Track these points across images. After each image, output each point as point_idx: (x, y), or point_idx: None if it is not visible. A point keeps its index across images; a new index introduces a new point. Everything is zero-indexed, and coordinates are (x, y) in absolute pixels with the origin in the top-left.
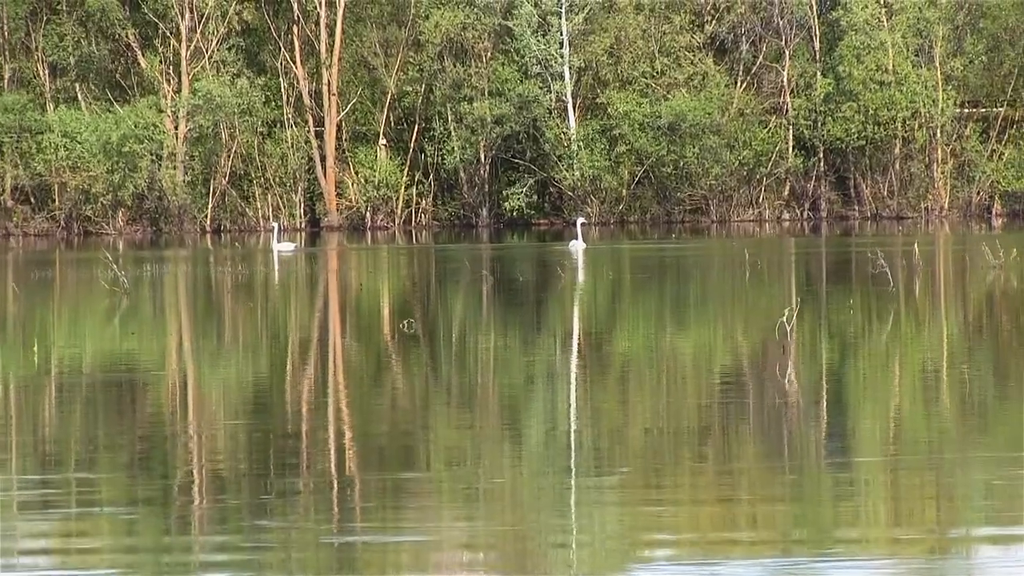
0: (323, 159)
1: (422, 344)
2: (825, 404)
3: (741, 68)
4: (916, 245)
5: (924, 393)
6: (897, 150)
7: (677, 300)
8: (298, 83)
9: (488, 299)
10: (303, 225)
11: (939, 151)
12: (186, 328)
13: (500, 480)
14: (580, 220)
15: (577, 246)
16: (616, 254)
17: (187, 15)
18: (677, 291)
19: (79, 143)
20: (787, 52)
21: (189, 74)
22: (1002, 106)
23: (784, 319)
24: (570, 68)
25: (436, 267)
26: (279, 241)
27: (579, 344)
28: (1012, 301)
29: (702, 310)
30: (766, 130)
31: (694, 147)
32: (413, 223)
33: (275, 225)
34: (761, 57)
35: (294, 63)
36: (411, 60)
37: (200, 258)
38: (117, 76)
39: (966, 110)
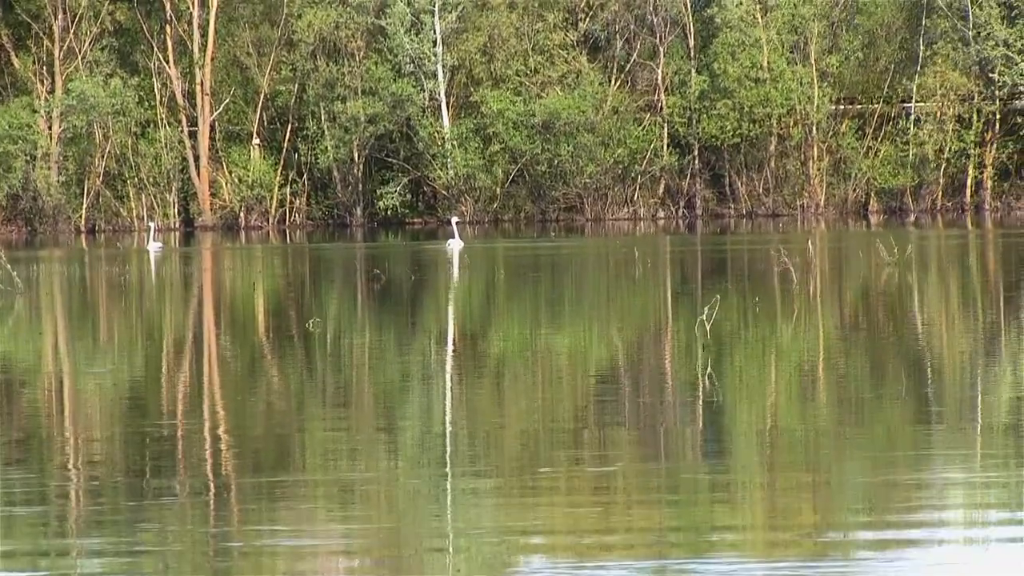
0: (197, 159)
1: (321, 343)
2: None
3: (615, 66)
4: (809, 242)
5: (814, 392)
6: (772, 147)
7: (574, 299)
8: (171, 83)
9: (380, 298)
10: (177, 225)
11: (815, 148)
12: (73, 327)
13: (375, 483)
14: (455, 219)
15: (454, 245)
16: (494, 253)
17: (60, 15)
18: (572, 290)
19: None
20: (662, 50)
21: (63, 74)
22: (878, 103)
23: (704, 317)
24: (443, 67)
25: (319, 266)
26: (154, 240)
27: (488, 342)
28: (919, 296)
29: (605, 308)
30: (641, 128)
31: (568, 145)
32: (287, 223)
33: (151, 225)
34: (635, 55)
35: (167, 63)
36: (284, 59)
37: (77, 258)
38: None
39: (842, 107)
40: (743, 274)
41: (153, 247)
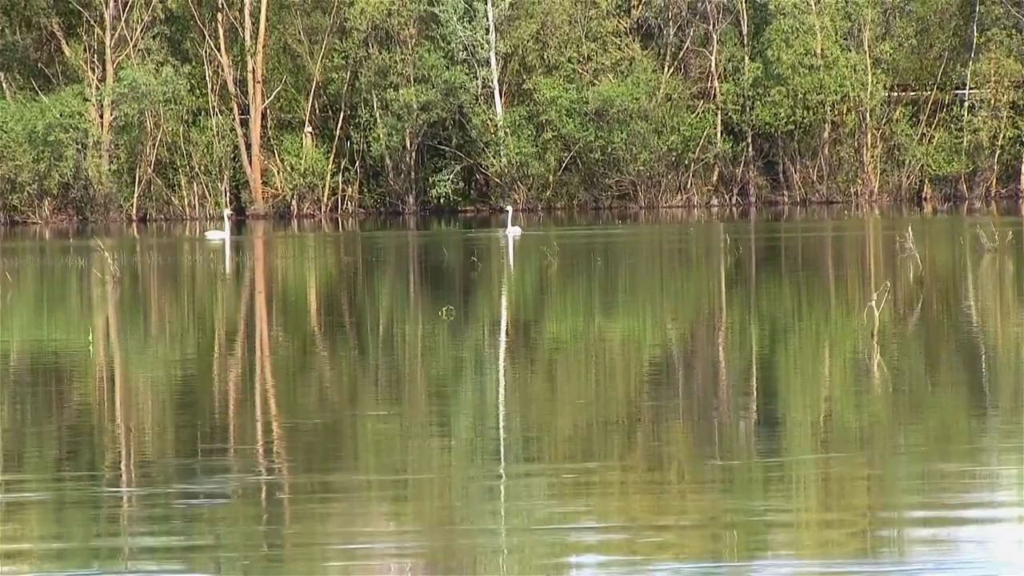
0: (248, 147)
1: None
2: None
3: (668, 53)
4: (910, 228)
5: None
6: (826, 134)
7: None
8: (223, 71)
9: (435, 285)
10: (229, 214)
11: (868, 135)
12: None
13: (428, 476)
14: (508, 208)
15: (510, 233)
16: (563, 240)
17: (111, 3)
18: (673, 279)
19: (4, 132)
20: (715, 36)
21: (113, 62)
22: (932, 89)
23: (873, 303)
24: (496, 54)
25: (379, 254)
26: (217, 229)
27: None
28: None
29: (754, 299)
30: (694, 115)
31: (621, 132)
32: (339, 211)
33: (226, 213)
34: (688, 42)
35: (218, 51)
36: (336, 47)
37: (159, 247)
38: (41, 65)
39: (895, 94)
40: (861, 260)
41: (217, 235)
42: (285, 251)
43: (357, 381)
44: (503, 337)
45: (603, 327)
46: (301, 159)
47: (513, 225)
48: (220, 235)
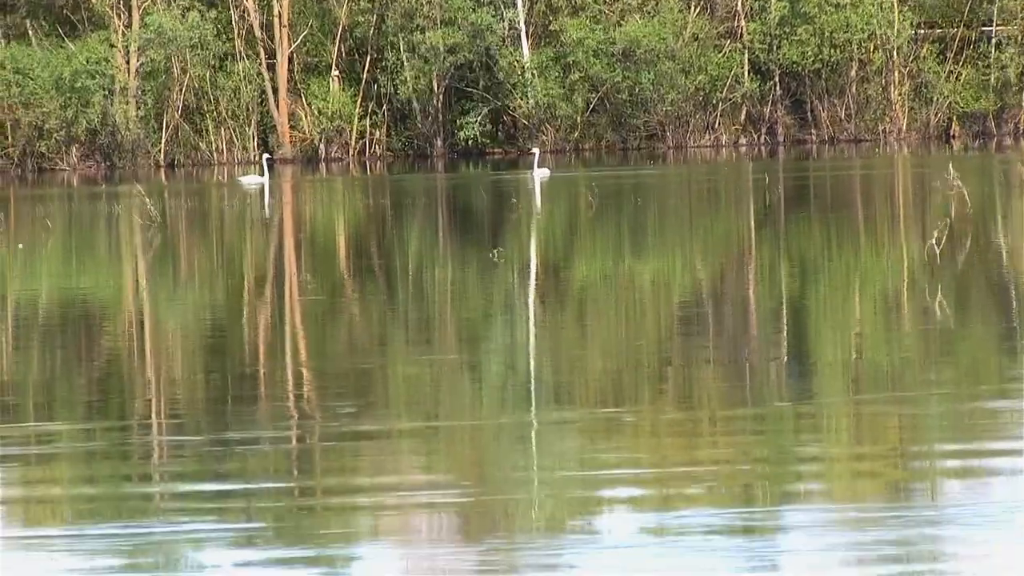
0: (275, 91)
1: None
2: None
3: None
4: (951, 165)
5: None
6: (853, 73)
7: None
8: (249, 15)
9: (463, 228)
10: (256, 158)
11: (896, 73)
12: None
13: (459, 421)
14: (535, 150)
15: (538, 174)
16: (595, 181)
17: None
18: (713, 219)
19: (31, 79)
20: None
21: (139, 8)
22: (959, 26)
23: (933, 241)
24: None
25: (408, 197)
26: (250, 174)
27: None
28: None
29: (789, 235)
30: (721, 55)
31: (649, 73)
32: (367, 154)
33: (265, 156)
34: None
35: None
36: None
37: (194, 192)
38: (67, 11)
39: (922, 31)
40: (904, 197)
41: (252, 180)
42: (318, 195)
43: (418, 323)
44: (543, 279)
45: (659, 268)
46: (328, 103)
47: (540, 167)
48: (257, 180)
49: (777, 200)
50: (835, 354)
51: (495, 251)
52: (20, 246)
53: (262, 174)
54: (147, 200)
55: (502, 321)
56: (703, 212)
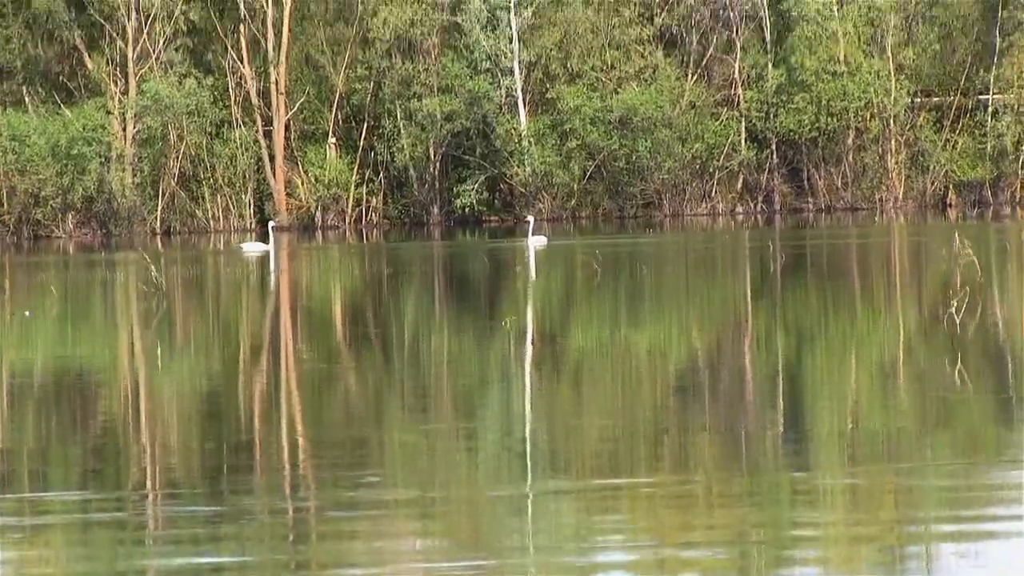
0: (272, 159)
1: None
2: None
3: (691, 60)
4: (957, 234)
5: None
6: (850, 141)
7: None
8: (246, 82)
9: (459, 296)
10: (253, 225)
11: (893, 141)
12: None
13: (455, 491)
14: (530, 217)
15: (535, 242)
16: (592, 249)
17: (133, 16)
18: (717, 287)
19: (28, 146)
20: (738, 43)
21: (136, 75)
22: (955, 95)
23: (952, 311)
24: (520, 63)
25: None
26: (254, 241)
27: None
28: None
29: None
30: (718, 123)
31: (646, 141)
32: (363, 222)
33: (272, 223)
34: (711, 49)
35: (241, 62)
36: (359, 58)
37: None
38: (63, 78)
39: (919, 99)
40: (915, 267)
41: (252, 247)
42: (316, 263)
43: (417, 391)
44: (540, 348)
45: (657, 336)
46: (325, 170)
47: (535, 235)
48: (260, 247)
49: (785, 267)
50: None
51: (506, 320)
52: (27, 313)
53: (266, 241)
54: (151, 268)
55: (499, 389)
56: (712, 280)
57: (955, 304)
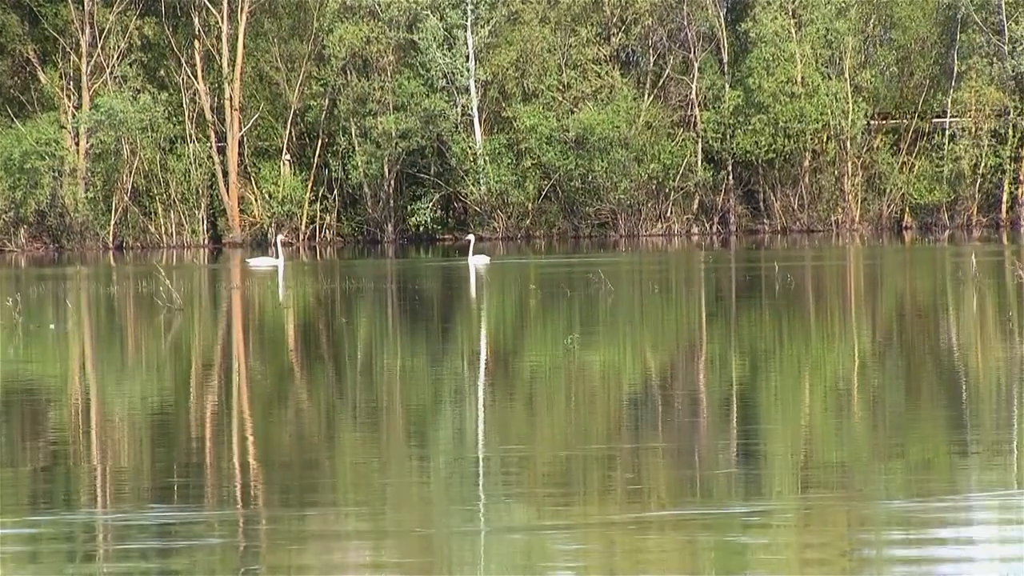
0: (225, 174)
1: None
2: None
3: (649, 80)
4: (973, 255)
5: None
6: (807, 163)
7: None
8: (200, 98)
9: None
10: (206, 241)
11: (849, 164)
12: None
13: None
14: (470, 237)
15: (476, 261)
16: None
17: (87, 30)
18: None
19: None
20: (695, 64)
21: (90, 89)
22: (912, 118)
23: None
24: (476, 82)
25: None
26: (261, 256)
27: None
28: None
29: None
30: (674, 143)
31: (602, 161)
32: (317, 239)
33: (279, 238)
34: (668, 69)
35: (195, 78)
36: (314, 74)
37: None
38: (16, 92)
39: (876, 122)
40: (954, 284)
41: (258, 262)
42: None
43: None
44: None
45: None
46: (279, 187)
47: (476, 254)
48: (269, 262)
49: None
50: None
51: (570, 337)
52: (52, 327)
53: (276, 256)
54: (166, 282)
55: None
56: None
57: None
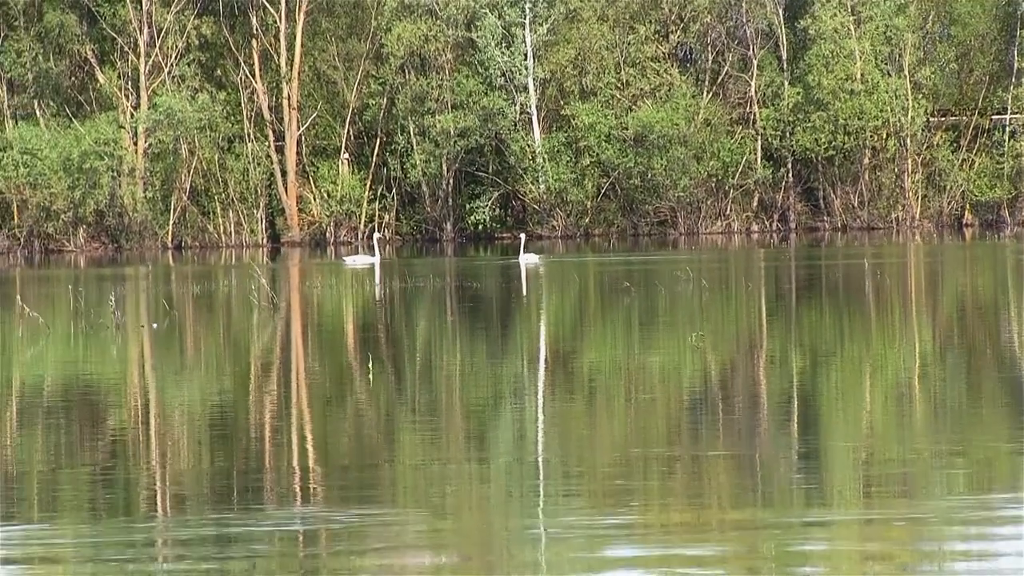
0: (284, 174)
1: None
2: None
3: (707, 78)
4: None
5: None
6: (867, 160)
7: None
8: (258, 97)
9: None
10: (265, 241)
11: (909, 161)
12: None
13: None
14: (522, 235)
15: (526, 260)
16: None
17: (145, 30)
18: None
19: (39, 160)
20: (754, 61)
21: (148, 89)
22: (972, 115)
23: None
24: (534, 80)
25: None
26: (357, 254)
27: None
28: None
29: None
30: (734, 141)
31: (661, 158)
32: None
33: (376, 236)
34: (727, 67)
35: (253, 77)
36: (372, 73)
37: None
38: (75, 92)
39: (936, 119)
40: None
41: (356, 260)
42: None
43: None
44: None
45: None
46: (337, 186)
47: (527, 253)
48: (366, 260)
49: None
50: None
51: (696, 334)
52: (154, 325)
53: (372, 254)
54: (263, 281)
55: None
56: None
57: None
